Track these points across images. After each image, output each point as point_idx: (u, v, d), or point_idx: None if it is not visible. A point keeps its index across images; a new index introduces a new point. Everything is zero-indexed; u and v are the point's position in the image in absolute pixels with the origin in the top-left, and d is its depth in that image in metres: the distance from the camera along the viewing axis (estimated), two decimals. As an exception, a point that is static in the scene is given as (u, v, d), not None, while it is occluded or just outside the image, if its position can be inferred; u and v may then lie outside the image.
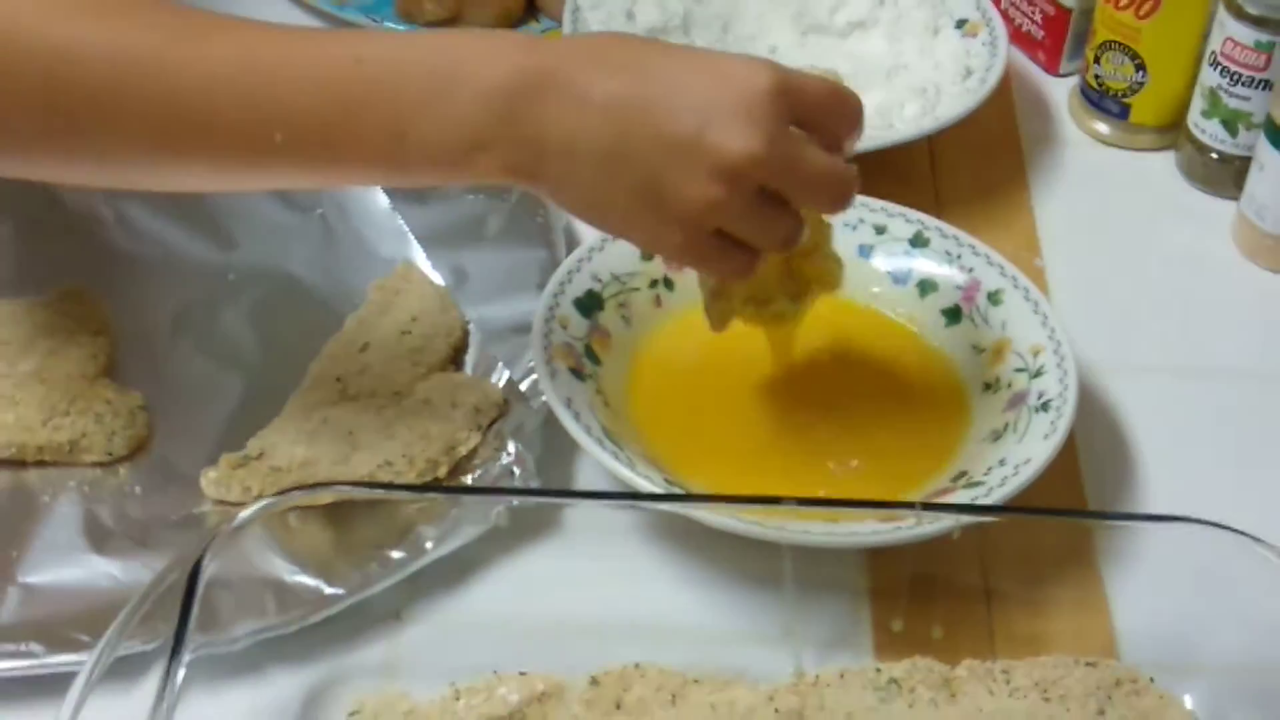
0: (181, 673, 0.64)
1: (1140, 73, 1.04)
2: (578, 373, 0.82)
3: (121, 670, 0.65)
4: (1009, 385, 0.84)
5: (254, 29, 0.67)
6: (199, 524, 0.78)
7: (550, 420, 0.80)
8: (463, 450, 0.81)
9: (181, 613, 0.65)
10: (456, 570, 0.77)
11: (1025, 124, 1.09)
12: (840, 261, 0.81)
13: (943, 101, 1.03)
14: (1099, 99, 1.07)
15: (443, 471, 0.80)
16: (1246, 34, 0.97)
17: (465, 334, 0.88)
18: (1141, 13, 1.02)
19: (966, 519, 0.73)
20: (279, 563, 0.75)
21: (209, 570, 0.67)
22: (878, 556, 0.79)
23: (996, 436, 0.81)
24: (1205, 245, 1.01)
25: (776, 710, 0.71)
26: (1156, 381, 0.91)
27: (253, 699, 0.72)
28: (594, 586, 0.76)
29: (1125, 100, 1.06)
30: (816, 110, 0.70)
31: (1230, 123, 1.00)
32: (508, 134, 0.67)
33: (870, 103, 0.98)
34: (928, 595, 0.76)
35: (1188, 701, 0.73)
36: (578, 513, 0.79)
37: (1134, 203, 1.04)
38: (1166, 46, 1.03)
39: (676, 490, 0.77)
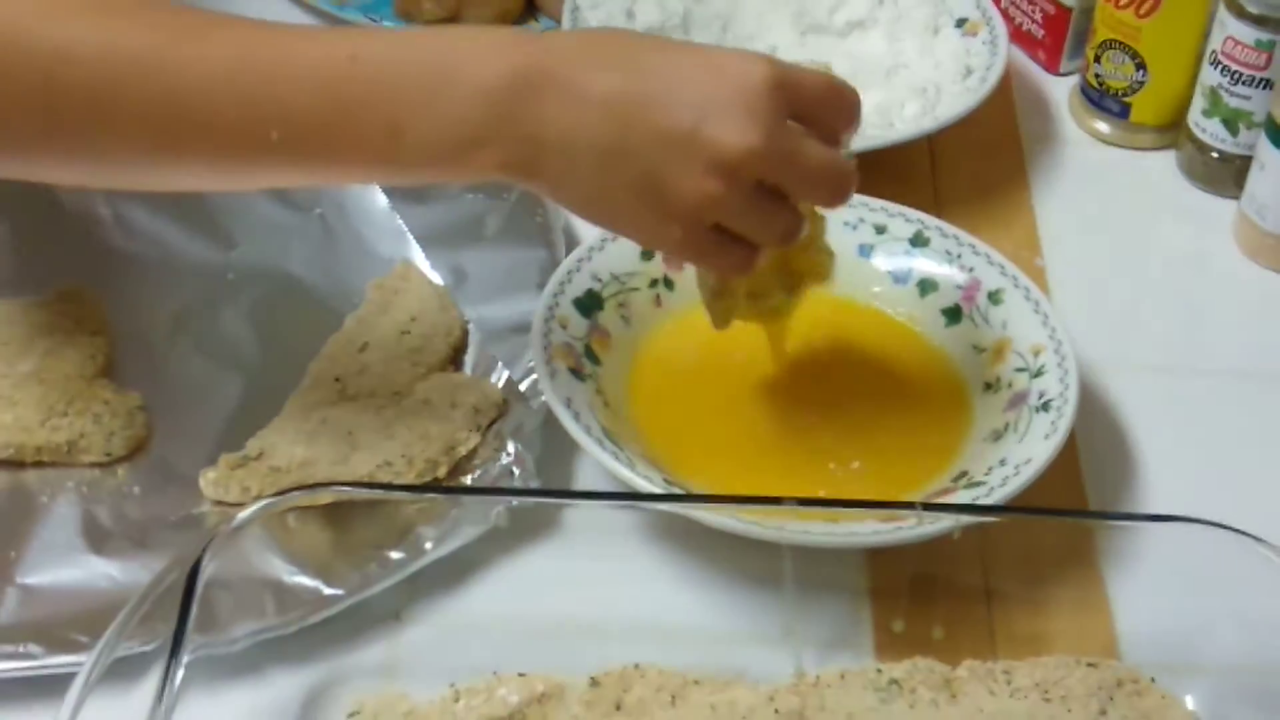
0: (180, 674, 0.64)
1: (1141, 72, 1.04)
2: (577, 373, 0.82)
3: (120, 671, 0.65)
4: (1010, 385, 0.84)
5: (252, 28, 0.67)
6: (198, 524, 0.78)
7: (550, 420, 0.80)
8: (462, 450, 0.81)
9: (180, 613, 0.65)
10: (456, 571, 0.77)
11: (1025, 123, 1.09)
12: (832, 254, 0.81)
13: (943, 101, 1.03)
14: (1099, 98, 1.07)
15: (442, 472, 0.80)
16: (1247, 33, 0.97)
17: (464, 334, 0.88)
18: (1142, 12, 1.02)
19: (967, 519, 0.73)
20: (278, 563, 0.74)
21: (208, 571, 0.67)
22: (878, 557, 0.78)
23: (997, 436, 0.81)
24: (1206, 245, 1.01)
25: (777, 711, 0.71)
26: (1157, 381, 0.91)
27: (252, 700, 0.72)
28: (594, 586, 0.76)
29: (1126, 99, 1.06)
30: (814, 104, 0.70)
31: (1231, 122, 1.00)
32: (505, 131, 0.67)
33: (870, 102, 0.98)
34: (928, 595, 0.76)
35: (1189, 702, 0.72)
36: (577, 513, 0.79)
37: (1135, 202, 1.04)
38: (1167, 45, 1.03)
39: (676, 490, 0.77)
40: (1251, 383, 0.92)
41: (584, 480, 0.82)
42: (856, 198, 0.87)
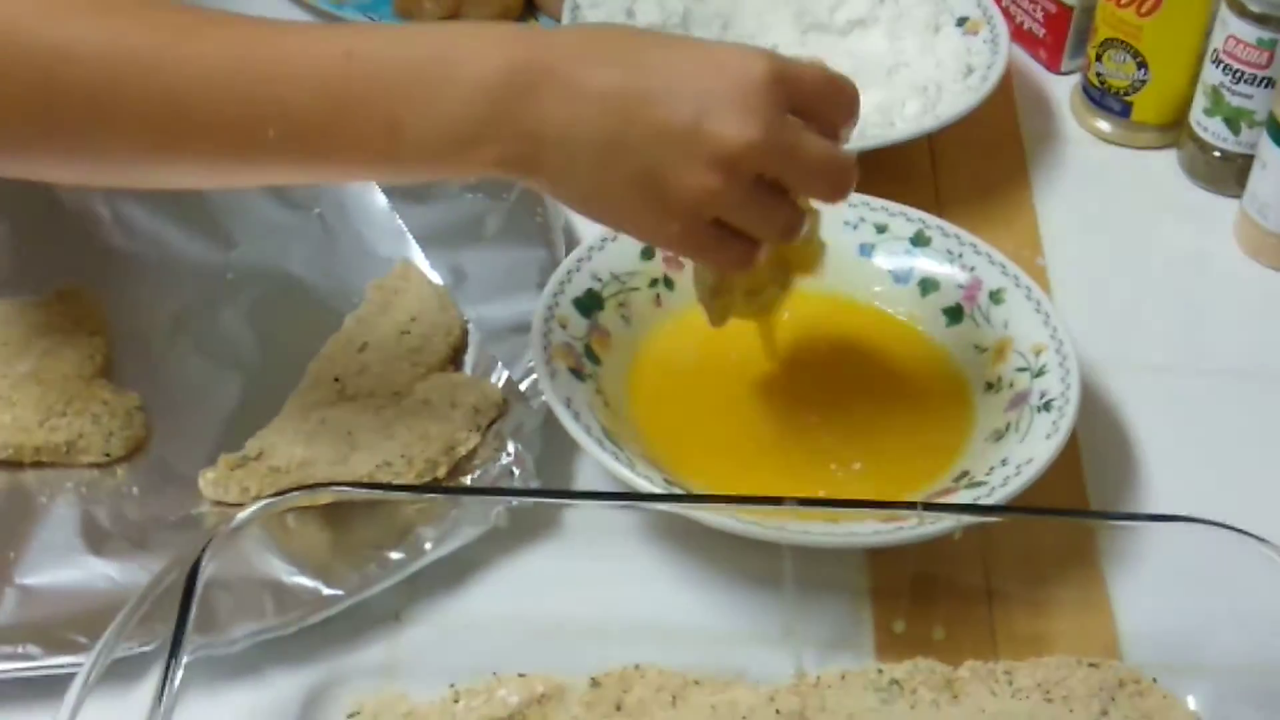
0: (180, 674, 0.64)
1: (1142, 71, 1.04)
2: (577, 373, 0.82)
3: (119, 672, 0.65)
4: (1011, 385, 0.84)
5: (251, 26, 0.67)
6: (197, 525, 0.78)
7: (550, 420, 0.80)
8: (462, 450, 0.81)
9: (180, 614, 0.65)
10: (456, 571, 0.77)
11: (1027, 122, 1.09)
12: (824, 246, 0.80)
13: (944, 100, 1.03)
14: (1101, 97, 1.07)
15: (442, 472, 0.80)
16: (1249, 31, 0.97)
17: (464, 334, 0.88)
18: (1143, 10, 1.02)
19: (968, 519, 0.73)
20: (277, 564, 0.74)
21: (207, 571, 0.67)
22: (879, 557, 0.78)
23: (998, 436, 0.81)
24: (1207, 244, 1.01)
25: (777, 711, 0.71)
26: (1159, 380, 0.91)
27: (252, 700, 0.72)
28: (594, 587, 0.75)
29: (1127, 98, 1.05)
30: (813, 98, 0.70)
31: (1232, 121, 1.00)
32: (504, 127, 0.67)
33: (871, 101, 0.98)
34: (929, 596, 0.76)
35: (1191, 702, 0.72)
36: (577, 513, 0.79)
37: (1136, 201, 1.04)
38: (1168, 44, 1.03)
39: (676, 490, 0.77)
40: (1253, 382, 0.92)
41: (584, 480, 0.82)
42: (857, 197, 0.88)
